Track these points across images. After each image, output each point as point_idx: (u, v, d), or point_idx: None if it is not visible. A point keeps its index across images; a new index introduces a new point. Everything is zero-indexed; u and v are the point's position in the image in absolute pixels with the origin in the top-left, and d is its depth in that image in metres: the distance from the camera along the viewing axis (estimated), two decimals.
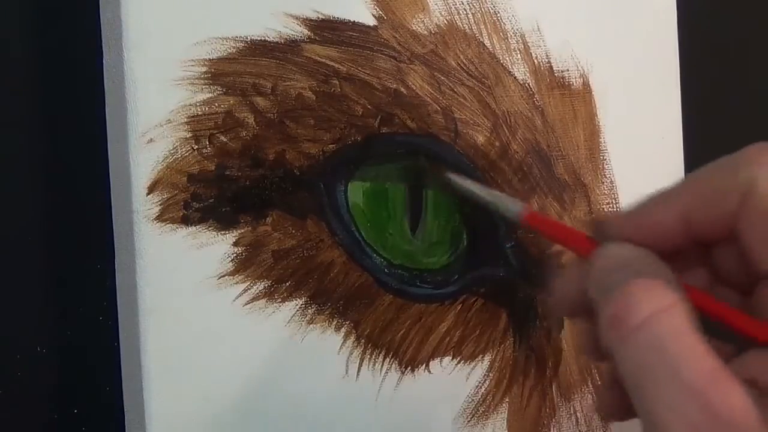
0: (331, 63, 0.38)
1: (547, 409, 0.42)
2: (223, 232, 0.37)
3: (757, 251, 0.26)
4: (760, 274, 0.26)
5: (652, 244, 0.27)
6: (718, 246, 0.28)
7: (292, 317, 0.38)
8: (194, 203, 0.37)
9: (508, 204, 0.34)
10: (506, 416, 0.42)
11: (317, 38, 0.38)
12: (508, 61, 0.41)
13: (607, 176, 0.43)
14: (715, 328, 0.26)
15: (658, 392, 0.23)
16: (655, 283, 0.24)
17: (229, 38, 0.37)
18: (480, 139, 0.40)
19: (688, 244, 0.27)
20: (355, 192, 0.39)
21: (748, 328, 0.26)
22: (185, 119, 0.36)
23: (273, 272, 0.38)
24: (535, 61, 0.42)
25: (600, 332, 0.25)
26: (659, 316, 0.23)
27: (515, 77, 0.41)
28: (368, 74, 0.39)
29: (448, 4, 0.40)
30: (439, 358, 0.41)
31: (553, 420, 0.42)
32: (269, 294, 0.38)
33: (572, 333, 0.42)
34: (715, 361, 0.23)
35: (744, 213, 0.26)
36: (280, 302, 0.38)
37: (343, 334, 0.39)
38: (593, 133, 0.43)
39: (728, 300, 0.28)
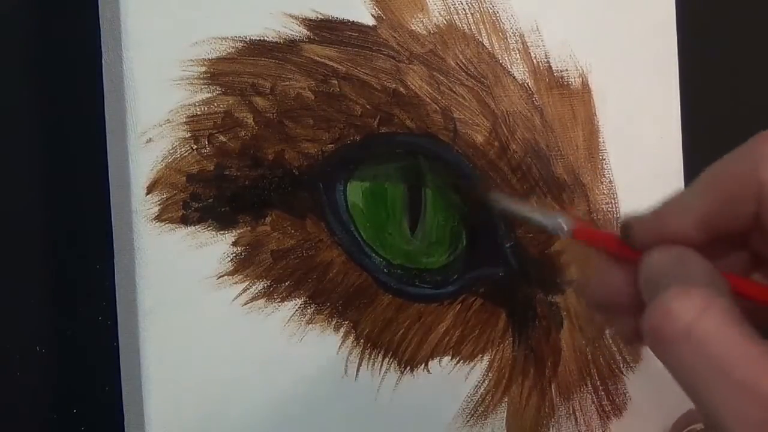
0: (330, 63, 0.38)
1: (546, 409, 0.42)
2: (222, 232, 0.37)
3: None
4: None
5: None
6: (751, 233, 0.27)
7: (291, 317, 0.38)
8: (193, 203, 0.37)
9: (555, 220, 0.33)
10: (505, 416, 0.42)
11: (316, 38, 0.38)
12: (507, 61, 0.41)
13: (606, 176, 0.43)
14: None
15: (712, 396, 0.23)
16: (690, 287, 0.24)
17: (228, 38, 0.37)
18: (479, 139, 0.40)
19: (715, 240, 0.27)
20: (354, 192, 0.39)
21: None
22: (184, 119, 0.36)
23: (272, 272, 0.38)
24: (534, 61, 0.42)
25: (645, 339, 0.25)
26: (697, 321, 0.23)
27: (514, 77, 0.41)
28: (367, 74, 0.39)
29: (447, 3, 0.40)
30: (438, 358, 0.41)
31: (552, 420, 0.42)
32: (268, 294, 0.38)
33: (571, 333, 0.42)
34: (762, 349, 0.23)
35: (764, 211, 0.26)
36: (279, 302, 0.38)
37: (342, 333, 0.39)
38: (592, 133, 0.43)
39: None
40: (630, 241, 0.28)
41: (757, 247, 0.28)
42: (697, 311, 0.23)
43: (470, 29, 0.41)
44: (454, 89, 0.40)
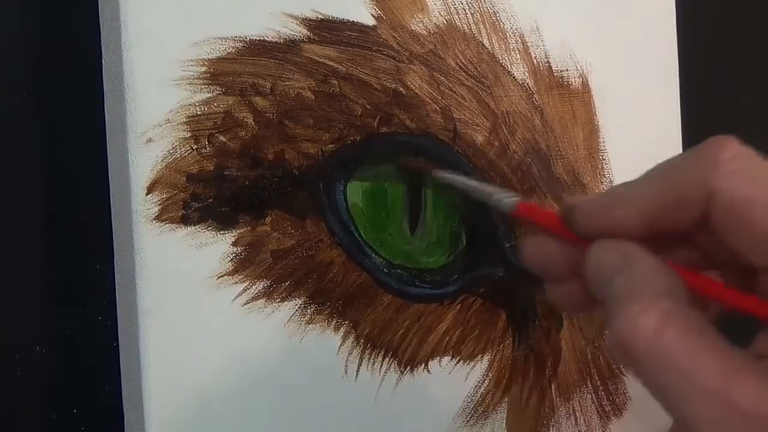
0: (330, 63, 0.38)
1: (546, 409, 0.42)
2: (222, 232, 0.37)
3: (744, 251, 0.26)
4: (750, 267, 0.26)
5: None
6: (698, 235, 0.27)
7: (291, 317, 0.38)
8: (193, 203, 0.37)
9: (502, 196, 0.34)
10: (505, 416, 0.42)
11: (316, 38, 0.38)
12: (507, 61, 0.41)
13: (606, 176, 0.43)
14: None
15: (683, 406, 0.23)
16: (648, 299, 0.24)
17: (228, 38, 0.37)
18: (479, 139, 0.40)
19: (658, 236, 0.27)
20: (354, 192, 0.39)
21: (755, 308, 0.26)
22: (184, 119, 0.36)
23: (272, 272, 0.38)
24: (534, 61, 0.42)
25: (609, 348, 0.25)
26: (661, 333, 0.23)
27: (514, 77, 0.41)
28: (367, 74, 0.39)
29: (447, 3, 0.40)
30: (438, 358, 0.41)
31: (552, 419, 0.42)
32: (268, 294, 0.38)
33: (571, 333, 0.42)
34: (729, 357, 0.23)
35: (714, 218, 0.26)
36: (279, 302, 0.38)
37: (342, 333, 0.39)
38: (592, 133, 0.43)
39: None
40: (572, 225, 0.28)
41: (706, 247, 0.28)
42: (658, 324, 0.24)
43: (470, 29, 0.41)
44: (454, 89, 0.40)
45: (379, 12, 0.39)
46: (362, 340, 0.39)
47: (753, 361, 0.23)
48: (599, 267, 0.27)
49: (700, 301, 0.26)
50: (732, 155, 0.26)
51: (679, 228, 0.27)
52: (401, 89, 0.39)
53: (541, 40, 0.42)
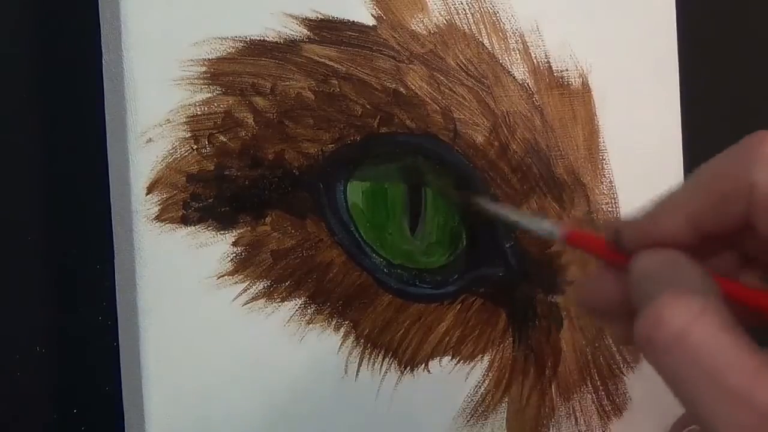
0: (330, 63, 0.38)
1: (546, 409, 0.42)
2: (222, 232, 0.37)
3: None
4: None
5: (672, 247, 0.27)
6: (740, 234, 0.27)
7: (291, 317, 0.38)
8: (193, 203, 0.37)
9: (545, 225, 0.33)
10: (505, 416, 0.42)
11: (316, 38, 0.38)
12: (508, 61, 0.41)
13: (607, 176, 0.43)
14: None
15: (705, 403, 0.23)
16: (681, 293, 0.24)
17: (228, 38, 0.37)
18: (479, 139, 0.40)
19: (705, 241, 0.27)
20: (355, 192, 0.39)
21: None
22: (184, 119, 0.36)
23: (272, 272, 0.38)
24: (535, 60, 0.42)
25: (637, 346, 0.25)
26: (689, 328, 0.23)
27: (514, 77, 0.41)
28: (367, 74, 0.39)
29: (447, 3, 0.40)
30: (438, 358, 0.41)
31: (552, 419, 0.42)
32: (268, 294, 0.38)
33: (572, 333, 0.42)
34: (756, 357, 0.23)
35: (755, 212, 0.25)
36: (279, 302, 0.38)
37: (342, 333, 0.39)
38: (592, 132, 0.43)
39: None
40: (620, 245, 0.28)
41: (745, 247, 0.28)
42: (689, 318, 0.23)
43: (470, 29, 0.41)
44: (454, 89, 0.40)
45: (379, 12, 0.39)
46: (362, 340, 0.39)
47: None
48: (641, 274, 0.26)
49: (736, 312, 0.26)
50: None
51: (725, 228, 0.26)
52: (401, 89, 0.39)
53: (541, 40, 0.42)
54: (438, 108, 0.40)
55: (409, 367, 0.40)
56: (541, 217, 0.35)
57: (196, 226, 0.37)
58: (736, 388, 0.22)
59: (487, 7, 0.41)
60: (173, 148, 0.36)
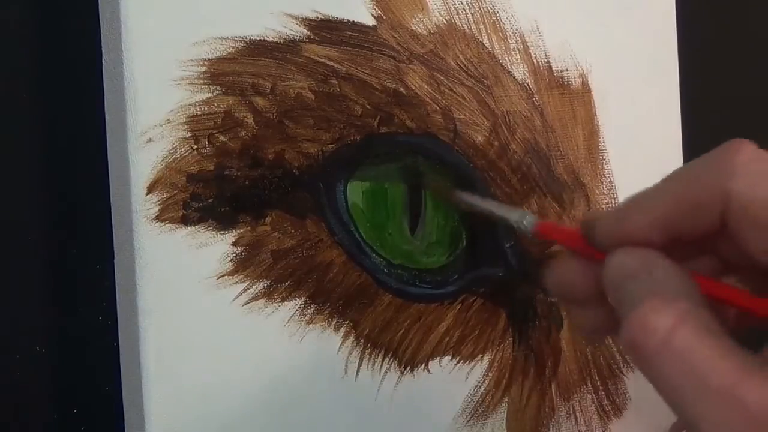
0: (331, 63, 0.38)
1: (546, 409, 0.42)
2: (222, 232, 0.37)
3: (761, 253, 0.26)
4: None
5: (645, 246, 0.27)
6: (716, 240, 0.27)
7: (291, 317, 0.38)
8: (193, 203, 0.37)
9: (517, 216, 0.33)
10: (505, 416, 0.42)
11: (316, 38, 0.38)
12: (508, 61, 0.41)
13: (606, 176, 0.43)
14: None
15: (693, 406, 0.23)
16: (665, 298, 0.24)
17: (228, 38, 0.37)
18: (479, 138, 0.40)
19: (676, 243, 0.27)
20: (355, 192, 0.39)
21: (759, 308, 0.26)
22: (184, 119, 0.36)
23: (272, 272, 0.38)
24: (535, 61, 0.42)
25: (623, 351, 0.25)
26: (674, 332, 0.23)
27: (514, 77, 0.41)
28: (367, 74, 0.39)
29: (447, 3, 0.40)
30: (438, 358, 0.41)
31: (552, 420, 0.42)
32: (268, 294, 0.38)
33: (572, 333, 0.42)
34: (740, 358, 0.23)
35: (731, 220, 0.26)
36: (279, 302, 0.38)
37: (342, 333, 0.39)
38: (592, 133, 0.43)
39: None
40: (592, 240, 0.28)
41: (724, 253, 0.28)
42: (674, 323, 0.24)
43: (470, 29, 0.41)
44: (454, 89, 0.40)
45: (379, 12, 0.39)
46: (362, 340, 0.39)
47: (764, 364, 0.23)
48: (616, 271, 0.27)
49: (715, 310, 0.26)
50: (748, 158, 0.26)
51: (698, 233, 0.27)
52: (401, 89, 0.39)
53: (541, 40, 0.42)
54: (438, 108, 0.40)
55: (409, 367, 0.40)
56: (516, 208, 0.35)
57: (196, 226, 0.37)
58: (719, 389, 0.23)
59: (487, 7, 0.41)
60: (173, 148, 0.36)
